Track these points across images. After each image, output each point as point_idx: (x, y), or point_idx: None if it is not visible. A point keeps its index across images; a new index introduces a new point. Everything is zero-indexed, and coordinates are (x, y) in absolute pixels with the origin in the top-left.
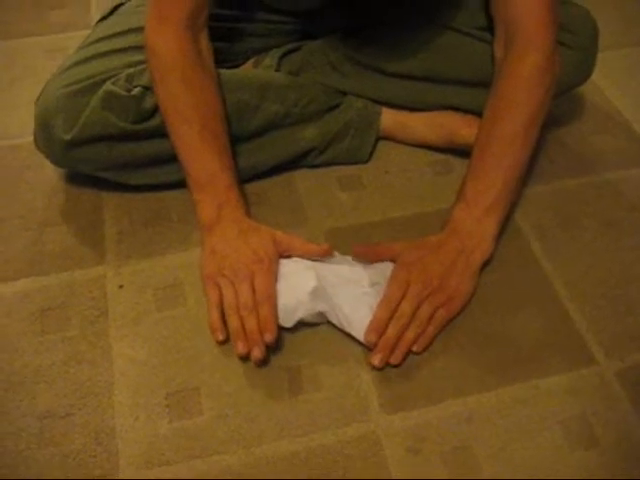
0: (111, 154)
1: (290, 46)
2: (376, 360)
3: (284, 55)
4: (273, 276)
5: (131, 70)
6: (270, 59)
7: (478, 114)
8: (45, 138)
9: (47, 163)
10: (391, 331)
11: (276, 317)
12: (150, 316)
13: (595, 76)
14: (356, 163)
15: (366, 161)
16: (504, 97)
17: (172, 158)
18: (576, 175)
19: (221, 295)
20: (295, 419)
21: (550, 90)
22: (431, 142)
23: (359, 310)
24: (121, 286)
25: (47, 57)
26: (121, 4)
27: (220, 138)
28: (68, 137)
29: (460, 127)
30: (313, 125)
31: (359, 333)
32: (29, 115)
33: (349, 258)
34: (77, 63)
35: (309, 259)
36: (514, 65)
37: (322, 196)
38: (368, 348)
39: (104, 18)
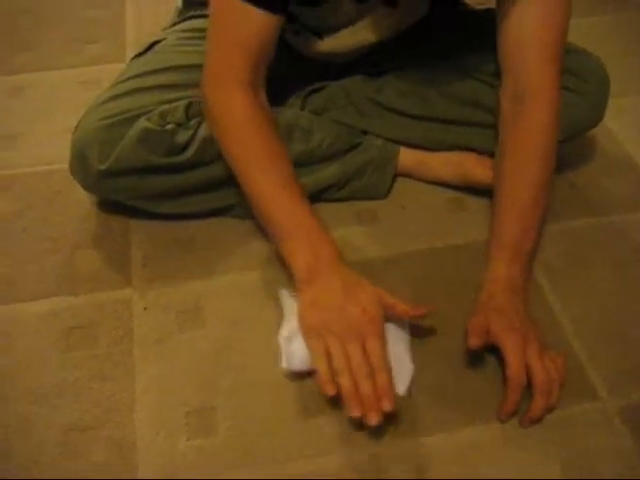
0: (142, 185)
1: (314, 86)
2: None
3: (308, 94)
4: (384, 339)
5: (165, 107)
6: (295, 98)
7: (491, 154)
8: (80, 167)
9: (79, 189)
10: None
11: (392, 385)
12: (172, 337)
13: (608, 120)
14: (374, 198)
15: (384, 197)
16: (523, 151)
17: (198, 190)
18: (585, 216)
19: (328, 350)
20: (307, 441)
21: (557, 139)
22: (446, 180)
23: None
24: (146, 308)
25: (82, 88)
26: (157, 42)
27: (298, 186)
28: (103, 167)
29: (474, 167)
30: (335, 163)
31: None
32: (63, 143)
33: None
34: (113, 97)
35: None
36: (528, 120)
37: (339, 229)
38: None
39: (140, 54)
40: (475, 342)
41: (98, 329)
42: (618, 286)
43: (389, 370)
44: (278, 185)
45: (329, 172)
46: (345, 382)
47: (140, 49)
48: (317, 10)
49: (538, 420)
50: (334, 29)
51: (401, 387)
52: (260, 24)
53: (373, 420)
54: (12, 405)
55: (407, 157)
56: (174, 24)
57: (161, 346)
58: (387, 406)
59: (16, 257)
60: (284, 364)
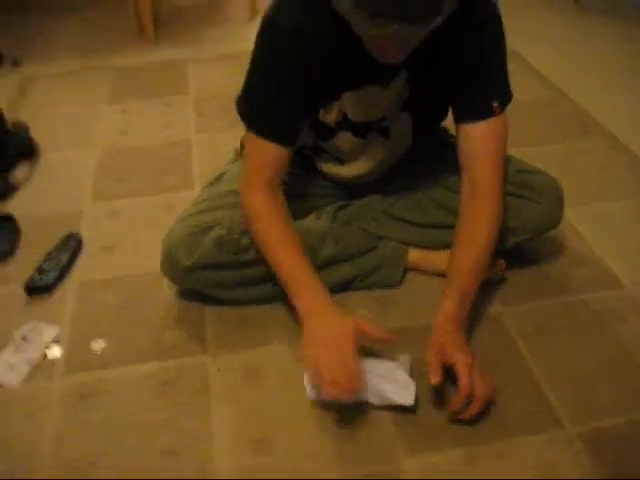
0: (217, 277)
1: (341, 203)
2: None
3: (337, 210)
4: (355, 347)
5: (233, 219)
6: (326, 213)
7: None
8: (170, 264)
9: (164, 287)
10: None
11: (359, 373)
12: (239, 390)
13: (576, 223)
14: (390, 287)
15: (398, 286)
16: (475, 228)
17: (257, 281)
18: (556, 296)
19: (317, 358)
20: (327, 459)
21: (500, 221)
22: (445, 272)
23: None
24: (219, 369)
25: (161, 211)
26: (223, 173)
27: (303, 254)
28: (188, 263)
29: None
30: (357, 261)
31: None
32: (149, 253)
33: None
34: (195, 213)
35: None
36: (480, 212)
37: (363, 310)
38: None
39: (211, 183)
40: (436, 381)
41: (183, 384)
42: (580, 347)
43: (357, 362)
44: (285, 252)
45: (354, 268)
46: (325, 372)
47: (211, 179)
48: (330, 143)
49: (473, 418)
50: (350, 158)
51: (409, 398)
52: (273, 152)
53: (347, 398)
54: (122, 436)
55: (414, 255)
56: (234, 160)
57: (231, 396)
58: (357, 386)
59: (120, 335)
60: (308, 394)
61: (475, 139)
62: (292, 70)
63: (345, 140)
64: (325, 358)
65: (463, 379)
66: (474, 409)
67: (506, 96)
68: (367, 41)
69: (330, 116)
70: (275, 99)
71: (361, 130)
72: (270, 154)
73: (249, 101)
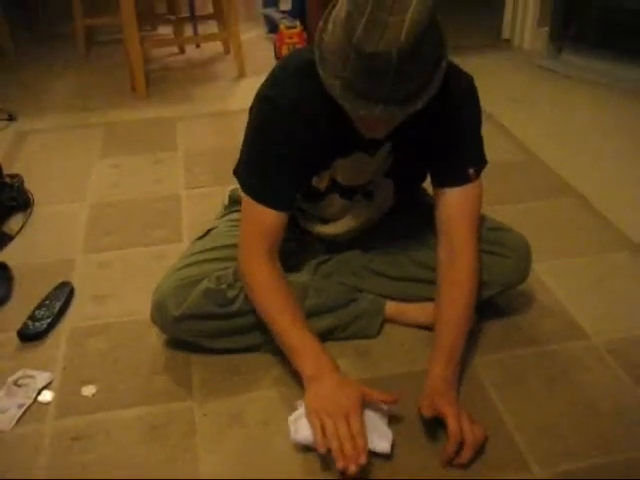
0: (203, 326)
1: (322, 258)
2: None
3: (319, 264)
4: (362, 417)
5: (220, 273)
6: (308, 267)
7: None
8: (159, 314)
9: (153, 333)
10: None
11: (367, 447)
12: (224, 434)
13: (544, 277)
14: (368, 338)
15: (375, 337)
16: (454, 290)
17: (241, 331)
18: (526, 347)
19: (323, 424)
20: None
21: (478, 280)
22: (421, 323)
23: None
24: (205, 414)
25: (152, 261)
26: (211, 229)
27: (305, 321)
28: (176, 314)
29: None
30: (338, 312)
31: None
32: (141, 301)
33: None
34: (184, 266)
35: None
36: (458, 270)
37: (342, 360)
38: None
39: (200, 237)
40: (427, 413)
41: (171, 428)
42: (547, 394)
43: (365, 436)
44: (290, 321)
45: (334, 319)
46: (334, 444)
47: (200, 234)
48: (318, 205)
49: (466, 465)
50: (334, 217)
51: (386, 446)
52: (272, 218)
53: (352, 469)
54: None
55: (391, 307)
56: (223, 215)
57: (216, 439)
58: (362, 459)
59: (111, 379)
60: (292, 435)
61: (452, 203)
62: (288, 142)
63: (333, 202)
64: (332, 427)
65: (452, 428)
66: (466, 455)
67: (481, 162)
68: (355, 119)
69: (322, 183)
70: (273, 170)
71: (348, 193)
72: (269, 221)
73: (248, 171)
